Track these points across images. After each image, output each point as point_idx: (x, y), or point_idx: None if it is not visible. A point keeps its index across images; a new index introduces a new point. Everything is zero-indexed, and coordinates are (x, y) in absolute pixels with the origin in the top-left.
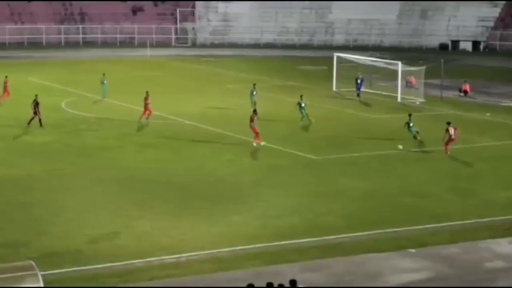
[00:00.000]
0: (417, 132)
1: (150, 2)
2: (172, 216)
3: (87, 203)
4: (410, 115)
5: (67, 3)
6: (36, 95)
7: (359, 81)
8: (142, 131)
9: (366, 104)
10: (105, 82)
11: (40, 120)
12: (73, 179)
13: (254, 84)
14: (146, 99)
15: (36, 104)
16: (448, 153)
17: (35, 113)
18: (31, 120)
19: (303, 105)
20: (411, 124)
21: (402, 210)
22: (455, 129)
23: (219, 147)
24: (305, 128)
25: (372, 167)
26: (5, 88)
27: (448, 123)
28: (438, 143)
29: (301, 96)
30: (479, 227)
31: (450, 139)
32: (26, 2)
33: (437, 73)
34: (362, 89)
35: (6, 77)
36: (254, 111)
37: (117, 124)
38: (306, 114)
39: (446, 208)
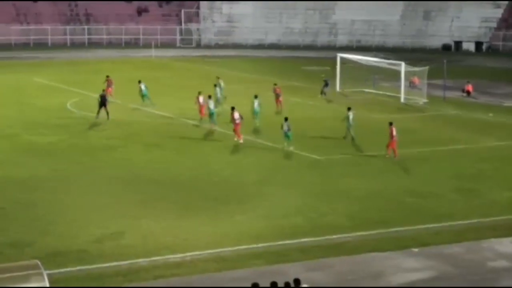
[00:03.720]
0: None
1: (155, 3)
2: (177, 215)
3: (91, 203)
4: (349, 108)
5: (73, 4)
6: (103, 90)
7: (324, 82)
8: (146, 131)
9: (329, 101)
10: (221, 86)
11: (107, 113)
12: (78, 179)
13: (218, 77)
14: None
15: (103, 99)
16: (390, 155)
17: (105, 106)
18: (107, 113)
19: (256, 105)
20: (351, 118)
21: (405, 209)
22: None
23: (223, 147)
24: (309, 128)
25: (376, 167)
26: (109, 85)
27: (391, 124)
28: (440, 144)
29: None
30: (482, 226)
31: (393, 140)
32: (31, 3)
33: (440, 74)
34: (327, 89)
35: (108, 76)
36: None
37: (122, 124)
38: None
39: (449, 207)
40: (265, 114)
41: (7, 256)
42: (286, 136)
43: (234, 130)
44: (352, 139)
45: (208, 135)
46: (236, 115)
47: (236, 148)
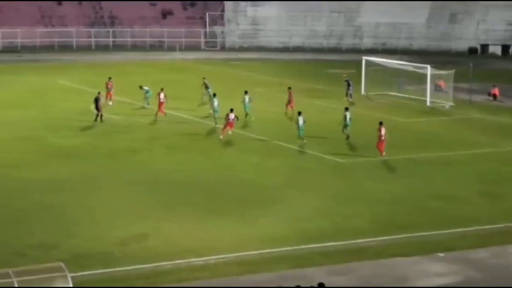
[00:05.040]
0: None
1: (180, 6)
2: (200, 218)
3: (116, 205)
4: (347, 108)
5: (97, 6)
6: (99, 93)
7: (346, 83)
8: (170, 134)
9: (352, 104)
10: (207, 86)
11: (101, 116)
12: (102, 181)
13: (204, 78)
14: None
15: (97, 101)
16: (384, 154)
17: (97, 109)
18: (96, 117)
19: (247, 101)
20: (348, 118)
21: (430, 213)
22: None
23: (246, 149)
24: (332, 131)
25: (399, 171)
26: (108, 89)
27: (380, 123)
28: (465, 147)
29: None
30: (507, 231)
31: (381, 140)
32: (56, 5)
33: (466, 77)
34: (350, 90)
35: (110, 78)
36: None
37: (146, 126)
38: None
39: (474, 212)
40: (285, 117)
41: (32, 257)
42: (300, 130)
43: (224, 126)
44: (348, 137)
45: (233, 138)
46: (232, 116)
47: (259, 150)
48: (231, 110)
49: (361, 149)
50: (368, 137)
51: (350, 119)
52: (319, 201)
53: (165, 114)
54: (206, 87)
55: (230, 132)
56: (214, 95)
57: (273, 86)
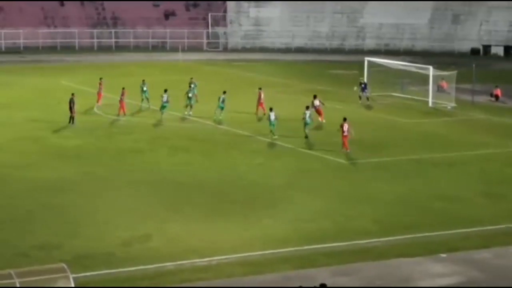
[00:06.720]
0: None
1: (182, 7)
2: (204, 219)
3: (119, 206)
4: (307, 107)
5: (100, 7)
6: (73, 94)
7: (362, 85)
8: (173, 135)
9: (368, 107)
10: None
11: (73, 118)
12: (106, 182)
13: (192, 78)
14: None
15: (72, 103)
16: (348, 150)
17: (70, 110)
18: (70, 119)
19: (144, 88)
20: (308, 116)
21: (433, 214)
22: (349, 125)
23: (250, 150)
24: (334, 132)
25: (403, 172)
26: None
27: (344, 119)
28: (468, 148)
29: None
30: (511, 232)
31: (343, 136)
32: (59, 6)
33: (469, 78)
34: (366, 92)
35: (101, 79)
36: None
37: (149, 127)
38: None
39: (477, 212)
40: (287, 118)
41: (35, 258)
42: (272, 125)
43: (319, 113)
44: (306, 137)
45: (236, 139)
46: (316, 102)
47: (263, 151)
48: (314, 97)
49: (364, 150)
50: (370, 138)
51: (310, 117)
52: (322, 202)
53: (119, 114)
54: (191, 86)
55: (323, 121)
56: (165, 90)
57: (276, 86)
